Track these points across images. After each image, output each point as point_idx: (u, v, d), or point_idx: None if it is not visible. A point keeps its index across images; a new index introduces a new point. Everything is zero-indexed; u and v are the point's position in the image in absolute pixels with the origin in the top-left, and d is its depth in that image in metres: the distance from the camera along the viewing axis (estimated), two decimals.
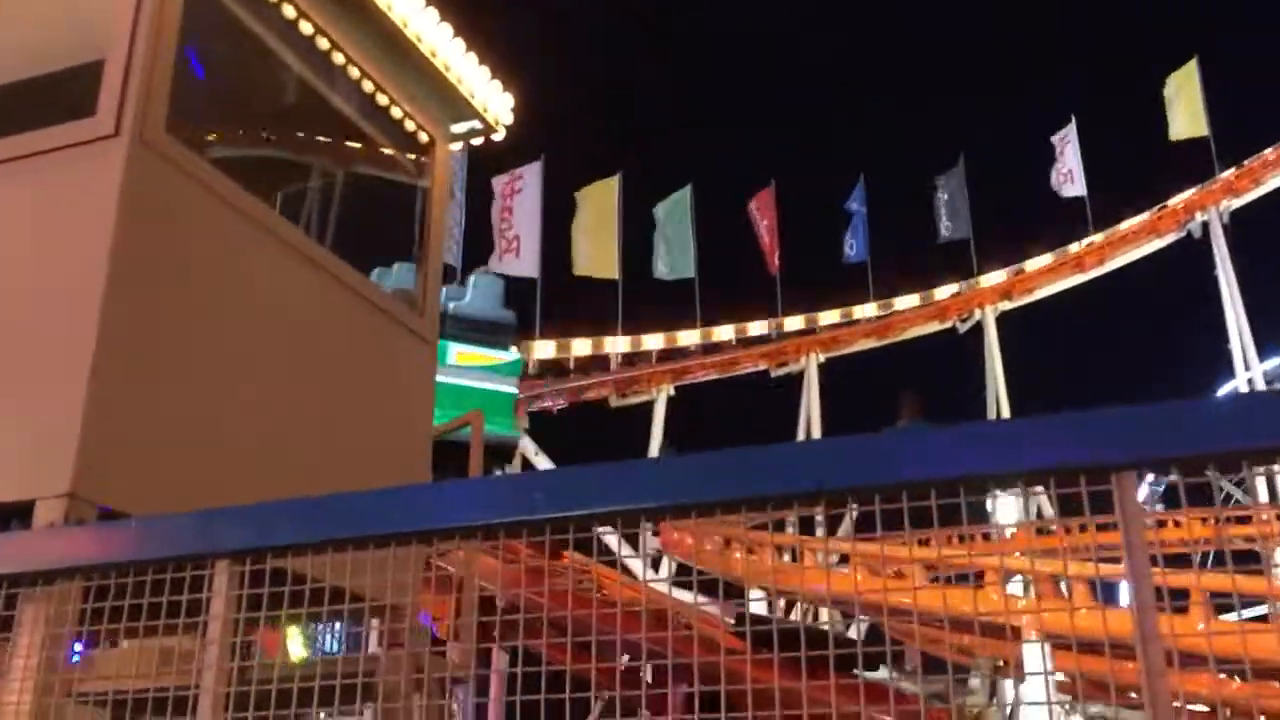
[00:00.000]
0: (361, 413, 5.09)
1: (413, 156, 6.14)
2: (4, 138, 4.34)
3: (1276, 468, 2.28)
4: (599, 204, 35.97)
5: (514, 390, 17.14)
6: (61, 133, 4.23)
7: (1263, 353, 34.13)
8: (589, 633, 3.00)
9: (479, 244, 33.32)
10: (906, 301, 38.65)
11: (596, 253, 35.41)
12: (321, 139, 6.21)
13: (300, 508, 3.35)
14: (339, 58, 5.54)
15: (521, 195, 33.68)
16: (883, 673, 2.76)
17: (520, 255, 33.31)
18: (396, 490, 3.31)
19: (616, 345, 35.47)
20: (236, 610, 3.28)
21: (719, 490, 2.78)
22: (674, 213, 37.50)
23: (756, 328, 37.15)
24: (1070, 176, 40.42)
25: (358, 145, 6.15)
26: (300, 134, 6.18)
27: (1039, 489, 2.66)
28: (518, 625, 3.22)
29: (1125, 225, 38.51)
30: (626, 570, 13.66)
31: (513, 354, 17.39)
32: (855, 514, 2.88)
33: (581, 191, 35.90)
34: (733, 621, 7.78)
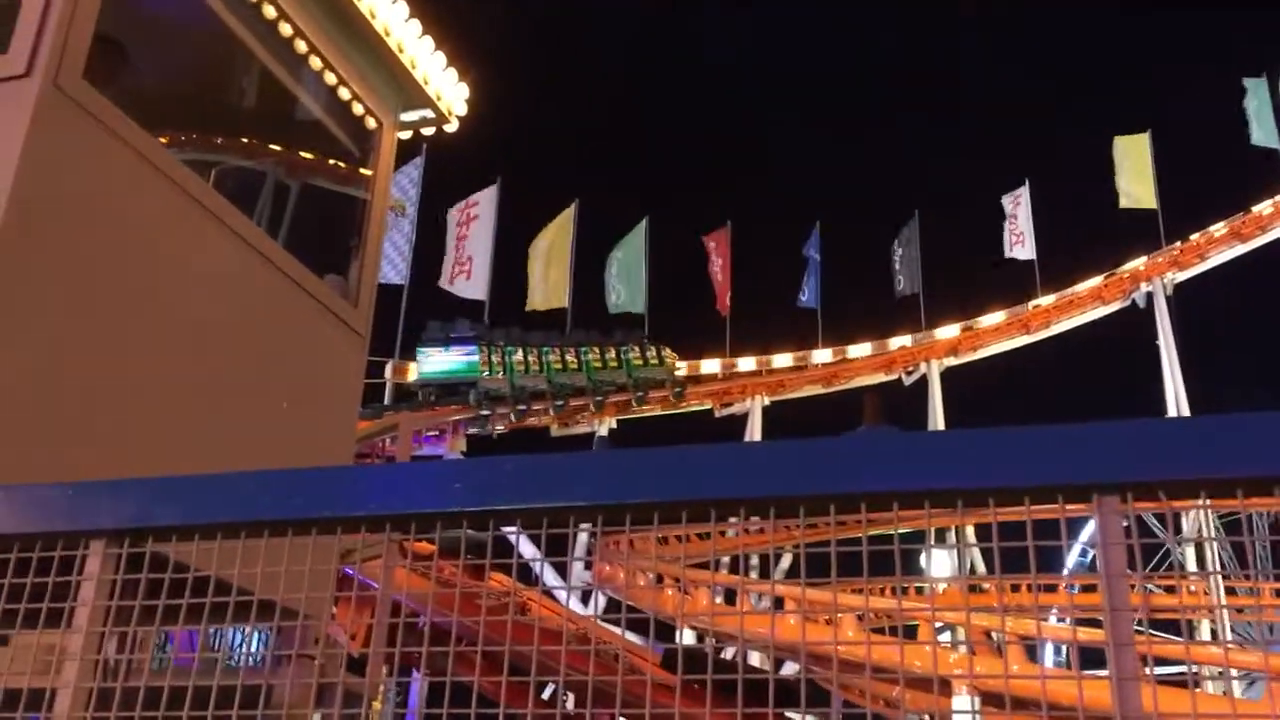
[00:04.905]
0: (278, 398, 4.74)
1: (358, 142, 5.83)
2: None
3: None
4: (553, 235, 35.76)
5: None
6: None
7: None
8: (517, 659, 2.65)
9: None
10: (855, 350, 38.72)
11: (548, 283, 35.12)
12: (263, 117, 5.87)
13: (192, 485, 3.00)
14: (286, 28, 5.23)
15: (477, 222, 33.37)
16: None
17: (471, 277, 32.94)
18: (298, 472, 2.94)
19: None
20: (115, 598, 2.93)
21: (659, 491, 2.47)
22: (629, 247, 37.31)
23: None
24: (1021, 239, 40.79)
25: (302, 125, 5.82)
26: (239, 112, 5.84)
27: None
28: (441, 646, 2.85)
29: (1072, 290, 38.99)
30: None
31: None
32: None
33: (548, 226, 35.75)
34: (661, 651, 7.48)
